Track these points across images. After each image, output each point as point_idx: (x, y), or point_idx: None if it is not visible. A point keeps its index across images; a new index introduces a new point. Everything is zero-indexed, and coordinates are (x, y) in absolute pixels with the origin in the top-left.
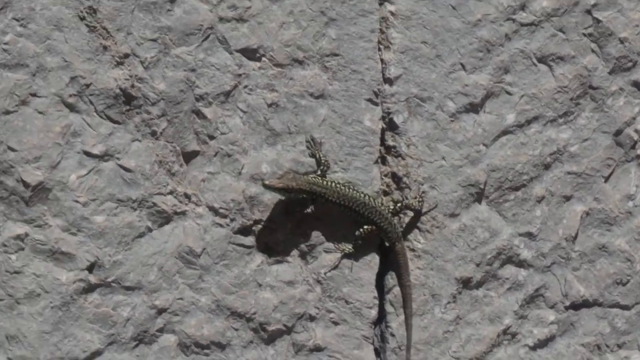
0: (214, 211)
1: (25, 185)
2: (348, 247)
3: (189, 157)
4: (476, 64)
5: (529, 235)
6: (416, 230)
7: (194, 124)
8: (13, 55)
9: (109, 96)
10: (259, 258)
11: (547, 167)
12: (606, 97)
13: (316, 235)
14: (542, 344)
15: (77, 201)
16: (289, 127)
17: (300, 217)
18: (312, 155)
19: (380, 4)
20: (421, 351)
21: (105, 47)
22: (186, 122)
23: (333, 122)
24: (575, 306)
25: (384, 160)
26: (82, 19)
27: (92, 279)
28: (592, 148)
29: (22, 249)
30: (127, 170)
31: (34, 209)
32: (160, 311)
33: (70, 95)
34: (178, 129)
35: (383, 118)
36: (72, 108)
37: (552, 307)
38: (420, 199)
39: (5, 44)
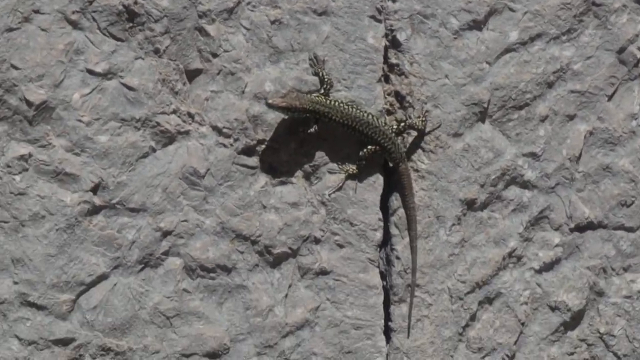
0: (218, 131)
1: (29, 104)
2: (352, 168)
3: (192, 75)
4: None
5: (533, 155)
6: (420, 151)
7: (197, 41)
8: None
9: (112, 13)
10: (263, 179)
11: (550, 85)
12: (609, 14)
13: (320, 156)
14: (548, 267)
15: (80, 120)
16: (292, 45)
17: (304, 136)
18: (315, 74)
19: None
20: (427, 274)
21: None
22: (189, 39)
23: (336, 40)
24: (580, 228)
25: (387, 79)
26: None
27: (97, 200)
28: (596, 66)
29: (26, 169)
30: (130, 88)
31: (37, 128)
32: (165, 234)
33: (74, 12)
34: (181, 47)
35: (386, 35)
36: (75, 25)
37: (557, 229)
38: (424, 118)
39: None
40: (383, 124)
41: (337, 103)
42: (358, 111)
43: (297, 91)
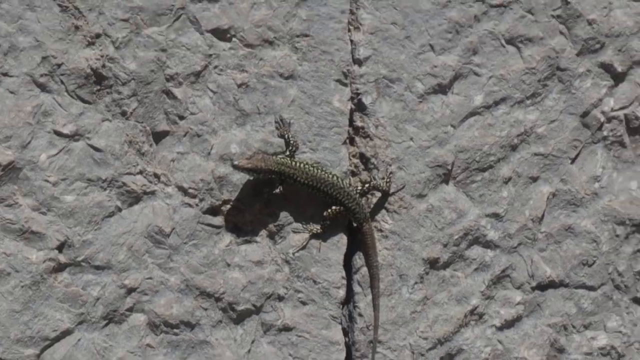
0: (183, 191)
1: None
2: (316, 228)
3: (159, 137)
4: (445, 45)
5: (496, 216)
6: (384, 211)
7: (164, 104)
8: None
9: (80, 76)
10: (227, 238)
11: (514, 148)
12: (574, 78)
13: (284, 216)
14: (509, 324)
15: (47, 180)
16: (258, 108)
17: (269, 197)
18: (281, 136)
19: None
20: (389, 331)
21: (77, 27)
22: (156, 102)
23: (302, 103)
24: (542, 287)
25: (352, 141)
26: None
27: (62, 258)
28: (559, 129)
29: None
30: (97, 150)
31: (4, 188)
32: (130, 290)
33: (42, 75)
34: (148, 109)
35: (352, 99)
36: (43, 88)
37: (518, 288)
38: (388, 180)
39: None
40: (347, 185)
41: (302, 165)
42: (323, 172)
43: (262, 153)
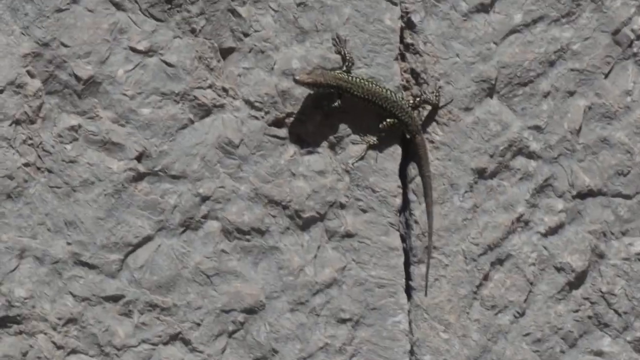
0: (250, 104)
1: (77, 79)
2: (373, 139)
3: (225, 53)
4: None
5: (537, 128)
6: (434, 123)
7: (230, 21)
8: None
9: None
10: (292, 149)
11: (552, 64)
12: None
13: (343, 128)
14: (553, 231)
15: (124, 94)
16: (316, 26)
17: (328, 110)
18: (338, 52)
19: None
20: (443, 237)
21: None
22: (223, 20)
23: (356, 21)
24: (582, 195)
25: (403, 57)
26: None
27: (141, 168)
28: (593, 46)
29: (76, 139)
30: (169, 65)
31: (85, 101)
32: (204, 199)
33: None
34: (215, 27)
35: (402, 17)
36: (118, 7)
37: (560, 196)
38: (438, 94)
39: None
40: (400, 99)
41: (358, 79)
42: (377, 87)
43: (321, 68)
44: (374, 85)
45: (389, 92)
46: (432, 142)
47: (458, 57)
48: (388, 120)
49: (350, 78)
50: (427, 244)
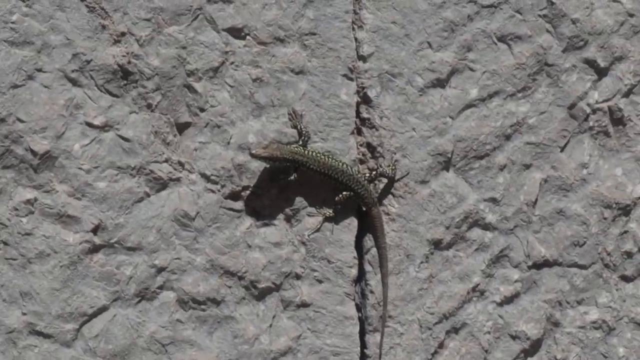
0: (206, 178)
1: (34, 153)
2: (329, 212)
3: (181, 127)
4: (442, 43)
5: (493, 200)
6: (390, 196)
7: (186, 97)
8: (20, 34)
9: (108, 71)
10: (248, 221)
11: (508, 137)
12: (560, 73)
13: (299, 200)
14: (508, 300)
15: (81, 168)
16: (272, 101)
17: (285, 183)
18: (294, 127)
19: None
20: (398, 307)
21: (103, 26)
22: (179, 95)
23: (312, 96)
24: (537, 266)
25: (359, 131)
26: (82, 0)
27: (97, 240)
28: (549, 120)
29: (32, 212)
30: (125, 140)
31: (41, 175)
32: (160, 270)
33: (73, 71)
34: (171, 102)
35: (358, 92)
36: (74, 82)
37: (516, 267)
38: (393, 167)
39: (13, 22)
40: (356, 173)
41: (314, 153)
42: (333, 161)
43: (277, 142)
44: (329, 159)
45: (345, 165)
46: (388, 214)
47: (414, 131)
48: (344, 193)
49: (306, 152)
50: (382, 313)
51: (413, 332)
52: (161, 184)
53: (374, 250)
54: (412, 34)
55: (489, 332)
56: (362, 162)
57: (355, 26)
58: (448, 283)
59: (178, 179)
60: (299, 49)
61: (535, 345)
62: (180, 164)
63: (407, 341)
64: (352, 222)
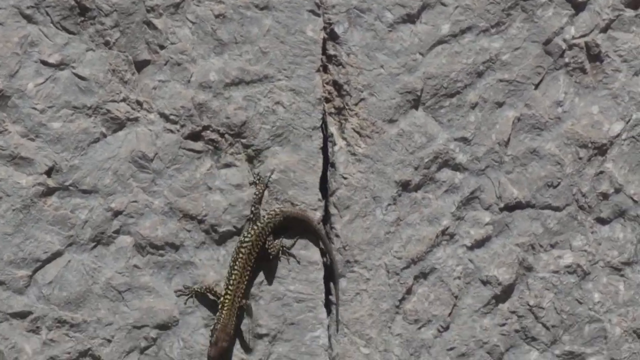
0: (165, 117)
1: None
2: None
3: (140, 65)
4: None
5: (464, 139)
6: (357, 135)
7: (145, 34)
8: None
9: (64, 7)
10: (208, 162)
11: (480, 74)
12: (536, 8)
13: (262, 140)
14: (479, 244)
15: (34, 108)
16: (235, 37)
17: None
18: (253, 184)
19: None
20: (365, 251)
21: None
22: (138, 32)
23: (277, 33)
24: (510, 208)
25: (325, 69)
26: None
27: (51, 182)
28: (523, 57)
29: None
30: (82, 78)
31: None
32: (116, 213)
33: (28, 7)
34: (130, 39)
35: (324, 28)
36: (29, 19)
37: (487, 209)
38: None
39: None
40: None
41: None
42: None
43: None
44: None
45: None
46: (354, 154)
47: (382, 69)
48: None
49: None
50: (349, 258)
51: (380, 277)
52: (118, 124)
53: (339, 192)
54: None
55: (458, 277)
56: (328, 100)
57: None
58: (416, 226)
59: (136, 119)
60: None
61: (507, 291)
62: (139, 103)
63: (373, 287)
64: (317, 163)
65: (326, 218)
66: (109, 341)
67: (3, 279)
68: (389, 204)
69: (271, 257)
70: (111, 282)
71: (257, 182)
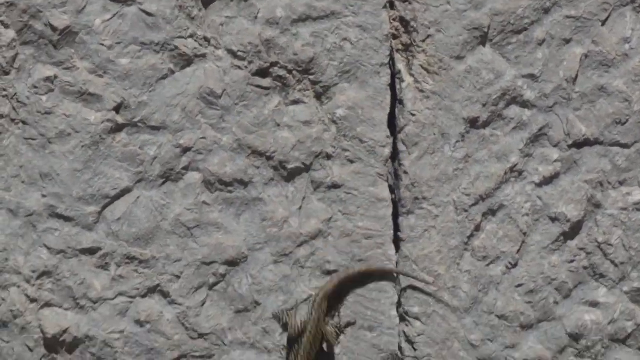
0: (233, 54)
1: (53, 29)
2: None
3: (207, 1)
4: None
5: (532, 76)
6: (424, 72)
7: None
8: None
9: None
10: (276, 99)
11: (546, 11)
12: None
13: (329, 77)
14: (548, 181)
15: (102, 44)
16: None
17: None
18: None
19: None
20: (433, 188)
21: None
22: None
23: None
24: (578, 145)
25: (392, 5)
26: None
27: (119, 119)
28: None
29: (52, 90)
30: (149, 14)
31: (62, 52)
32: (185, 150)
33: None
34: None
35: None
36: None
37: (555, 146)
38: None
39: None
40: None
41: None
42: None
43: None
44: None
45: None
46: (422, 91)
47: (449, 5)
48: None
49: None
50: (418, 194)
51: (448, 214)
52: (186, 61)
53: (407, 129)
54: None
55: (527, 214)
56: (395, 37)
57: None
58: (485, 163)
59: (204, 55)
60: None
61: (576, 228)
62: (206, 39)
63: (442, 224)
64: (385, 100)
65: (394, 155)
66: (178, 277)
67: (72, 215)
68: (457, 141)
69: (329, 344)
70: (180, 218)
71: (286, 319)
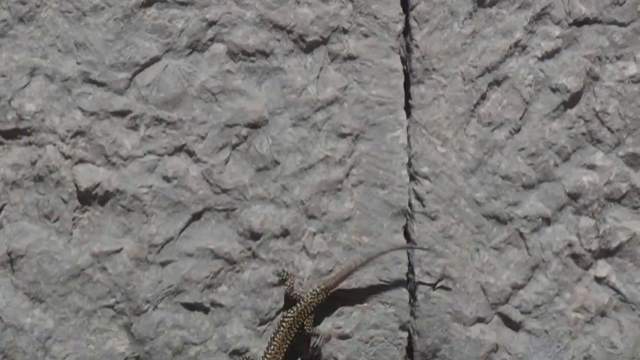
0: None
1: None
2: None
3: None
4: None
5: None
6: None
7: None
8: None
9: None
10: None
11: None
12: None
13: None
14: (549, 55)
15: None
16: None
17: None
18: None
19: None
20: (442, 60)
21: None
22: None
23: None
24: (578, 23)
25: None
26: None
27: None
28: None
29: None
30: None
31: None
32: (211, 23)
33: None
34: None
35: None
36: None
37: (557, 24)
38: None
39: None
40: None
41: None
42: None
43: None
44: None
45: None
46: None
47: None
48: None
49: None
50: (428, 66)
51: (456, 84)
52: None
53: (419, 7)
54: None
55: (530, 85)
56: None
57: None
58: (491, 39)
59: None
60: None
61: (575, 98)
62: None
63: (450, 92)
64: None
65: (406, 30)
66: (203, 138)
67: (105, 81)
68: (465, 18)
69: (306, 333)
70: (205, 85)
71: (286, 277)
